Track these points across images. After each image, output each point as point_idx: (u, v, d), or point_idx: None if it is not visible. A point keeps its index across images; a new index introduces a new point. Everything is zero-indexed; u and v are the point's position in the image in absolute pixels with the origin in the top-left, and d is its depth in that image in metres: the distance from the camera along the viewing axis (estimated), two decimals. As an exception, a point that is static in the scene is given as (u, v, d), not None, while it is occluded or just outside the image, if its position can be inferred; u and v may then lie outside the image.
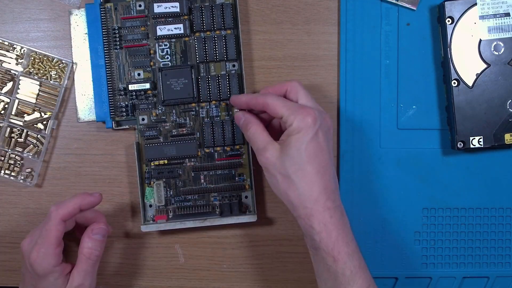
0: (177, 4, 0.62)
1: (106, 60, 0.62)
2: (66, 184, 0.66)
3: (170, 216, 0.64)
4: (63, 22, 0.65)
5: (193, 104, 0.63)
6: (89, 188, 0.66)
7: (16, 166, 0.65)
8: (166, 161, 0.63)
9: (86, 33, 0.63)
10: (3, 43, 0.64)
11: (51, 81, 0.65)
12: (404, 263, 0.65)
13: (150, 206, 0.64)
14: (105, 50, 0.63)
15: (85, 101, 0.64)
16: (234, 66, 0.63)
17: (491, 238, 0.66)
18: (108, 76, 0.63)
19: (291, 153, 0.52)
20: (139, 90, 0.62)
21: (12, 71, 0.64)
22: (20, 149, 0.65)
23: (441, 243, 0.65)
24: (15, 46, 0.64)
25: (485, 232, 0.65)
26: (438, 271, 0.66)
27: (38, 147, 0.65)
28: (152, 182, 0.64)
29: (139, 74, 0.63)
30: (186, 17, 0.62)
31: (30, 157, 0.65)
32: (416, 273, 0.66)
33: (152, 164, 0.63)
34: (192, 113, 0.63)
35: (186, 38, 0.63)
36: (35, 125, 0.65)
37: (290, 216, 0.65)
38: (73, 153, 0.66)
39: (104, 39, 0.62)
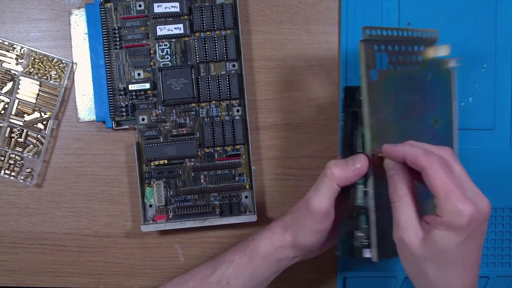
0: (177, 4, 0.62)
1: (106, 60, 0.63)
2: (66, 184, 0.66)
3: (170, 216, 0.64)
4: (63, 22, 0.65)
5: (193, 104, 0.63)
6: (89, 188, 0.66)
7: (16, 166, 0.65)
8: (166, 161, 0.63)
9: (86, 33, 0.63)
10: (3, 43, 0.64)
11: (51, 81, 0.64)
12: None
13: (150, 206, 0.64)
14: (105, 50, 0.63)
15: (85, 101, 0.64)
16: (234, 66, 0.63)
17: (491, 238, 0.66)
18: (108, 76, 0.63)
19: (433, 252, 0.45)
20: (139, 90, 0.62)
21: (12, 71, 0.64)
22: (20, 149, 0.65)
23: (441, 243, 0.65)
24: (15, 46, 0.64)
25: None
26: None
27: (38, 147, 0.65)
28: (152, 182, 0.64)
29: (139, 74, 0.63)
30: (186, 17, 0.62)
31: (30, 157, 0.65)
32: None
33: (152, 164, 0.63)
34: (192, 113, 0.63)
35: (186, 38, 0.63)
36: (35, 125, 0.65)
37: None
38: (73, 153, 0.66)
39: (104, 39, 0.62)
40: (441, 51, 0.58)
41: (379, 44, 0.52)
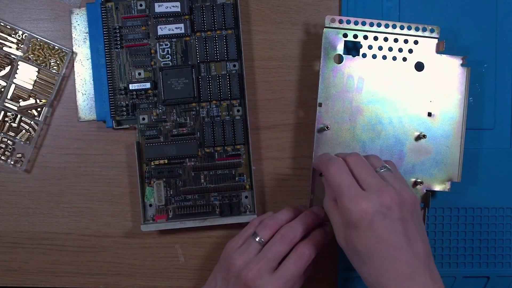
0: (178, 3, 0.62)
1: (107, 60, 0.63)
2: (66, 184, 0.66)
3: (170, 216, 0.64)
4: (63, 22, 0.65)
5: (194, 104, 0.63)
6: (89, 188, 0.66)
7: (7, 151, 0.65)
8: (166, 161, 0.63)
9: (87, 33, 0.63)
10: (5, 27, 0.64)
11: (49, 69, 0.64)
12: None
13: (150, 205, 0.64)
14: (106, 49, 0.63)
15: (85, 100, 0.64)
16: (234, 66, 0.63)
17: (491, 238, 0.66)
18: (108, 75, 0.63)
19: (350, 249, 0.50)
20: (140, 90, 0.63)
21: (11, 56, 0.64)
22: (12, 134, 0.65)
23: (441, 242, 0.65)
24: (17, 30, 0.64)
25: (485, 232, 0.65)
26: (438, 271, 0.65)
27: (30, 133, 0.65)
28: (152, 182, 0.64)
29: (139, 74, 0.63)
30: (187, 16, 0.62)
31: (21, 143, 0.65)
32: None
33: (152, 163, 0.63)
34: (193, 112, 0.63)
35: (187, 38, 0.63)
36: (29, 111, 0.65)
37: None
38: (73, 153, 0.66)
39: (105, 39, 0.63)
40: (441, 47, 0.61)
41: (351, 32, 0.60)
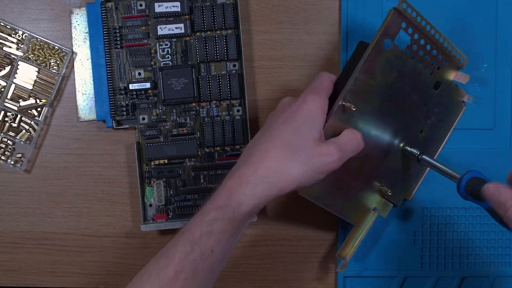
0: (178, 3, 0.62)
1: (107, 60, 0.63)
2: (66, 184, 0.66)
3: (170, 216, 0.64)
4: (63, 22, 0.65)
5: (194, 104, 0.63)
6: (89, 188, 0.66)
7: (7, 151, 0.65)
8: (166, 161, 0.63)
9: (87, 33, 0.63)
10: (5, 27, 0.64)
11: (49, 69, 0.64)
12: (404, 263, 0.65)
13: (150, 205, 0.64)
14: (106, 49, 0.63)
15: (85, 100, 0.64)
16: (234, 66, 0.63)
17: (491, 238, 0.66)
18: (108, 75, 0.63)
19: None
20: (140, 90, 0.63)
21: (11, 55, 0.64)
22: (12, 134, 0.65)
23: (441, 242, 0.65)
24: (17, 30, 0.64)
25: (485, 232, 0.66)
26: (438, 271, 0.66)
27: (30, 133, 0.65)
28: (152, 182, 0.64)
29: (139, 74, 0.63)
30: (187, 16, 0.62)
31: (22, 143, 0.65)
32: (415, 273, 0.66)
33: (152, 163, 0.63)
34: (193, 112, 0.63)
35: (187, 38, 0.63)
36: (29, 111, 0.65)
37: (290, 216, 0.66)
38: (73, 153, 0.66)
39: (105, 39, 0.63)
40: (461, 78, 0.62)
41: (409, 26, 0.56)
